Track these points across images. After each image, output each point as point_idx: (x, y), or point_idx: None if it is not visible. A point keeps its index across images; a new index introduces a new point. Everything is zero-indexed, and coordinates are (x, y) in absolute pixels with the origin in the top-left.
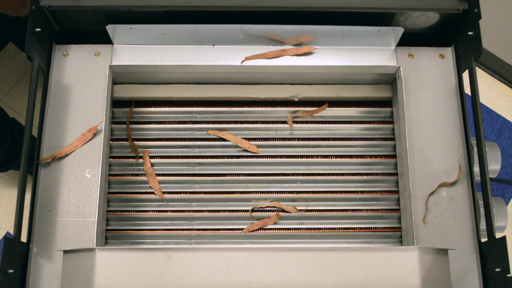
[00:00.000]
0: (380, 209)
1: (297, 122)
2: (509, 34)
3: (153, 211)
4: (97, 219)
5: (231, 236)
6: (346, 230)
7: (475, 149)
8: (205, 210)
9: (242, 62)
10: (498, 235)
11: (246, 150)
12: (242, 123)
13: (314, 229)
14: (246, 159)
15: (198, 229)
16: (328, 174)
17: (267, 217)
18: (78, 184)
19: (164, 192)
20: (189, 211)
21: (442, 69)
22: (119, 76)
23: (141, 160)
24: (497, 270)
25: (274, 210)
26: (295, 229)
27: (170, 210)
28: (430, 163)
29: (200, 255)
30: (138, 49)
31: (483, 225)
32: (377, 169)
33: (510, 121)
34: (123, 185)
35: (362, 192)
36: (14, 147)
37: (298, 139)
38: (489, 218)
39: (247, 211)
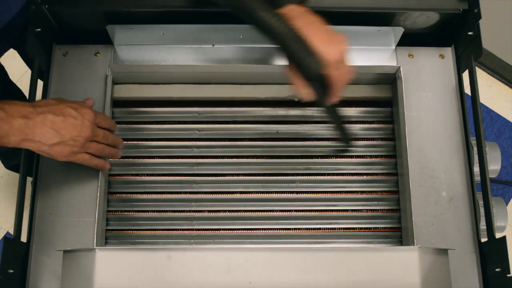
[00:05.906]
0: (380, 209)
1: (297, 122)
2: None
3: (153, 211)
4: (97, 219)
5: (231, 236)
6: (346, 230)
7: (475, 149)
8: (205, 210)
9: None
10: (498, 235)
11: (246, 151)
12: (242, 123)
13: (314, 229)
14: (246, 159)
15: (198, 229)
16: (328, 174)
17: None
18: (78, 184)
19: (164, 192)
20: (189, 211)
21: (442, 69)
22: (119, 76)
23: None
24: (497, 270)
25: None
26: (295, 229)
27: (170, 210)
28: (430, 163)
29: (200, 255)
30: (138, 49)
31: (483, 225)
32: (377, 169)
33: (510, 121)
34: (123, 185)
35: (362, 192)
36: None
37: (298, 139)
38: (489, 218)
39: (247, 211)
